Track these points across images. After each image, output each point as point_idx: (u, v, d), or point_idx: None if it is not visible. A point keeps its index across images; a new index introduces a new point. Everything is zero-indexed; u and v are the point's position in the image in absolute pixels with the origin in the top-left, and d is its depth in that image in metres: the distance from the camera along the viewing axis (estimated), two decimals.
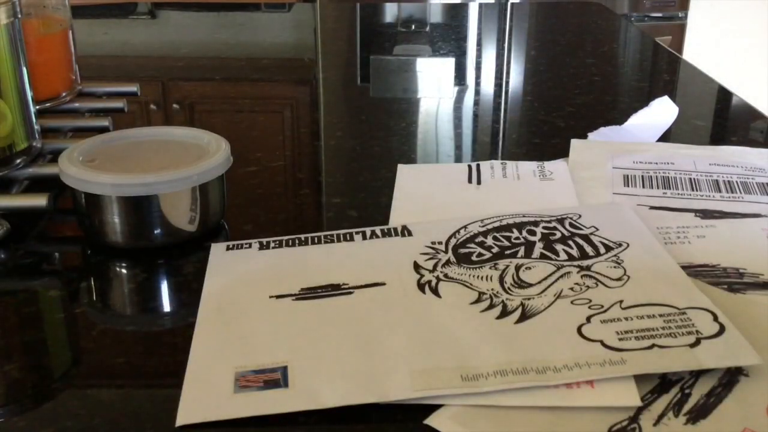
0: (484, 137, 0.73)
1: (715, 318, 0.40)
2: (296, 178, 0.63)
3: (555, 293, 0.43)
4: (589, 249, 0.47)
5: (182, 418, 0.35)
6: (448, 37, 1.13)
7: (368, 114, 0.78)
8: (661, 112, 0.70)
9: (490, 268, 0.46)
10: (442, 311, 0.42)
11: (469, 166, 0.62)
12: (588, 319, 0.40)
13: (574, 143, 0.65)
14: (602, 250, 0.47)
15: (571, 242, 0.48)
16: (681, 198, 0.56)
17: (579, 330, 0.39)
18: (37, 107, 0.60)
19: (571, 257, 0.47)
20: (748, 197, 0.55)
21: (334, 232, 0.51)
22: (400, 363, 0.38)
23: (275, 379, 0.37)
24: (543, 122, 0.75)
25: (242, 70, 0.94)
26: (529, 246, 0.48)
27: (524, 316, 0.41)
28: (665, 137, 0.69)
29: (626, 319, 0.40)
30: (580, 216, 0.52)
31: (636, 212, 0.53)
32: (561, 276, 0.45)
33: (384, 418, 0.35)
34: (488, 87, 0.89)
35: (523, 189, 0.58)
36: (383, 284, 0.45)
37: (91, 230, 0.50)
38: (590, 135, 0.68)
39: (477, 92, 0.87)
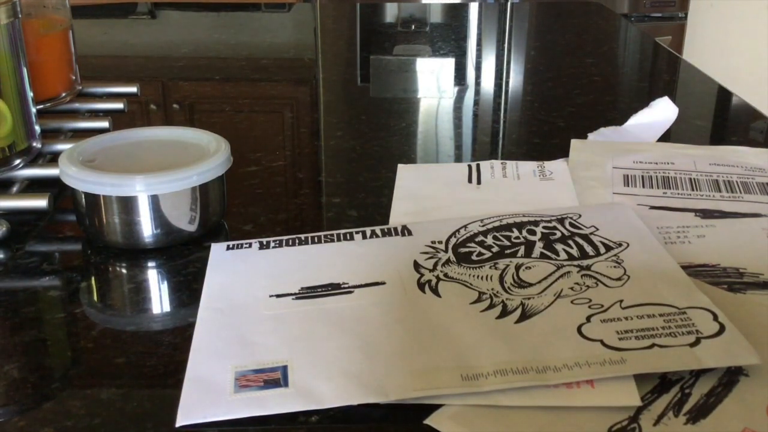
0: (484, 137, 0.73)
1: (715, 318, 0.40)
2: (296, 178, 0.63)
3: (555, 293, 0.43)
4: (589, 249, 0.47)
5: (182, 418, 0.35)
6: (448, 37, 1.13)
7: (368, 114, 0.78)
8: (661, 112, 0.70)
9: (490, 267, 0.46)
10: (442, 311, 0.42)
11: (469, 166, 0.62)
12: (588, 319, 0.40)
13: (574, 143, 0.65)
14: (602, 249, 0.47)
15: (571, 242, 0.48)
16: (681, 198, 0.56)
17: (579, 330, 0.39)
18: (37, 107, 0.60)
19: (571, 257, 0.47)
20: (748, 197, 0.55)
21: (334, 232, 0.51)
22: (400, 363, 0.38)
23: (275, 378, 0.37)
24: (543, 122, 0.75)
25: (242, 70, 0.94)
26: (529, 246, 0.48)
27: (524, 316, 0.41)
28: (665, 137, 0.69)
29: (626, 318, 0.40)
30: (580, 216, 0.52)
31: (636, 212, 0.53)
32: (561, 276, 0.45)
33: (384, 418, 0.35)
34: (488, 87, 0.89)
35: (523, 189, 0.58)
36: (383, 283, 0.45)
37: (91, 230, 0.50)
38: (590, 135, 0.68)
39: (477, 92, 0.87)
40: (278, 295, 0.44)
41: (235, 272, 0.46)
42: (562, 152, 0.65)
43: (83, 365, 0.40)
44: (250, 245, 0.50)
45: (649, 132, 0.68)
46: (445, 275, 0.45)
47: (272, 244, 0.50)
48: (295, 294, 0.44)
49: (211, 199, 0.51)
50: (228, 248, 0.49)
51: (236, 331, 0.41)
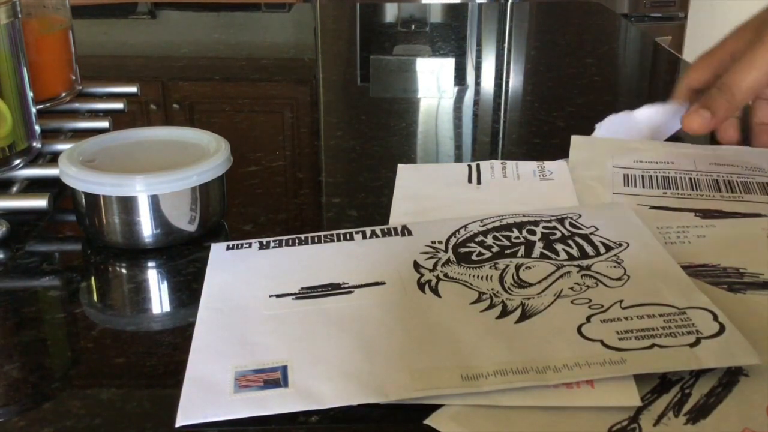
0: (484, 137, 0.73)
1: (715, 318, 0.40)
2: (296, 178, 0.63)
3: (555, 293, 0.43)
4: (589, 249, 0.47)
5: (182, 418, 0.35)
6: (448, 37, 1.13)
7: (368, 114, 0.78)
8: (674, 116, 0.69)
9: (490, 267, 0.46)
10: (442, 311, 0.42)
11: (469, 166, 0.62)
12: (588, 319, 0.40)
13: (575, 140, 0.65)
14: (602, 249, 0.47)
15: (571, 242, 0.48)
16: (681, 198, 0.56)
17: (579, 330, 0.39)
18: (37, 107, 0.60)
19: (571, 257, 0.47)
20: (748, 197, 0.55)
21: (334, 232, 0.51)
22: (400, 363, 0.38)
23: (275, 378, 0.37)
24: (543, 122, 0.75)
25: (242, 70, 0.94)
26: (529, 245, 0.48)
27: (524, 316, 0.41)
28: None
29: (626, 318, 0.40)
30: (580, 216, 0.52)
31: (636, 212, 0.53)
32: (561, 275, 0.45)
33: (384, 418, 0.35)
34: (488, 87, 0.89)
35: (523, 189, 0.58)
36: (383, 283, 0.45)
37: (91, 230, 0.50)
38: (597, 125, 0.67)
39: (477, 92, 0.87)
40: (278, 295, 0.44)
41: (235, 272, 0.46)
42: (562, 152, 0.64)
43: (83, 365, 0.40)
44: (250, 245, 0.50)
45: (658, 128, 0.68)
46: (445, 275, 0.45)
47: (272, 244, 0.50)
48: (295, 294, 0.44)
49: (211, 199, 0.51)
50: (228, 248, 0.49)
51: (236, 331, 0.41)
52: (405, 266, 0.46)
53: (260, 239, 0.50)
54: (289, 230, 0.53)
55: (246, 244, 0.50)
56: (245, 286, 0.45)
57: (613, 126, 0.67)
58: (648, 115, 0.69)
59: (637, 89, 0.90)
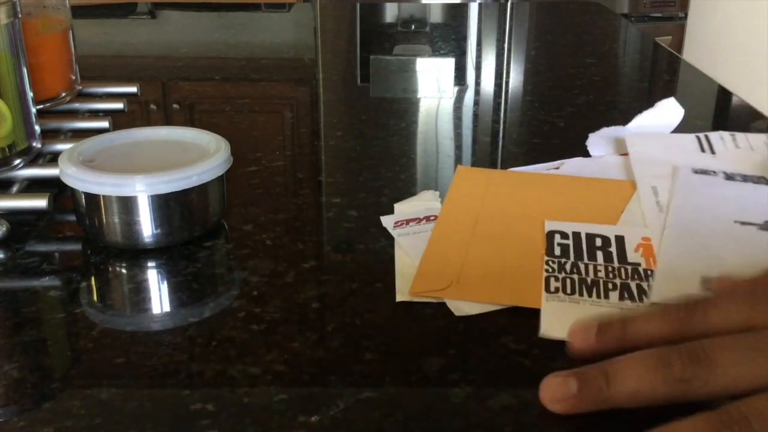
0: (484, 137, 0.73)
1: None
2: (296, 178, 0.63)
3: None
4: None
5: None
6: (448, 37, 1.13)
7: (368, 114, 0.78)
8: (667, 113, 0.69)
9: None
10: None
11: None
12: None
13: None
14: None
15: None
16: None
17: None
18: (37, 107, 0.60)
19: None
20: None
21: None
22: None
23: None
24: (543, 122, 0.75)
25: (242, 70, 0.94)
26: None
27: None
28: None
29: None
30: None
31: None
32: None
33: (385, 417, 0.35)
34: (488, 87, 0.89)
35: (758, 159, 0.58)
36: None
37: (91, 230, 0.50)
38: (591, 136, 0.67)
39: (477, 92, 0.87)
40: (743, 223, 0.46)
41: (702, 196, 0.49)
42: (563, 152, 0.64)
43: (83, 365, 0.40)
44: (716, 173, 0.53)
45: (653, 133, 0.68)
46: None
47: (737, 178, 0.52)
48: (759, 225, 0.46)
49: (211, 199, 0.51)
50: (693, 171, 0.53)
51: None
52: None
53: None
54: (289, 230, 0.53)
55: (711, 172, 0.53)
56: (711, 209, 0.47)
57: (606, 137, 0.67)
58: (641, 123, 0.69)
59: (637, 89, 0.90)
